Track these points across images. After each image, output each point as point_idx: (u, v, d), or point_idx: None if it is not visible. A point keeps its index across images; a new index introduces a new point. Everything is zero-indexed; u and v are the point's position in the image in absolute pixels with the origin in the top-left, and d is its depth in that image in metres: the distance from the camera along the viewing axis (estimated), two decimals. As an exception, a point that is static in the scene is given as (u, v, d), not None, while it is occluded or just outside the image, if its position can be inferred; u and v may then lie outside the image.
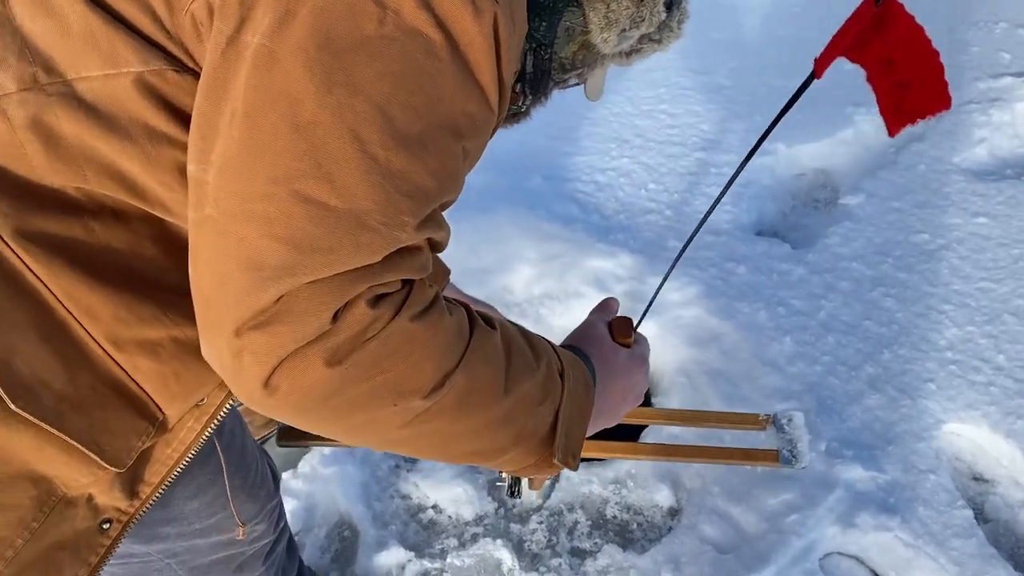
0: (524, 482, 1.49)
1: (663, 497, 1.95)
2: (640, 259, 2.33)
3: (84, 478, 0.79)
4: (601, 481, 1.99)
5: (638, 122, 2.85)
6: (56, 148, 0.72)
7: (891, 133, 0.84)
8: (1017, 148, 2.85)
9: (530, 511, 1.95)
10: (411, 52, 0.65)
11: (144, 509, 0.87)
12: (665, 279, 1.16)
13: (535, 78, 0.87)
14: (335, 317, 0.65)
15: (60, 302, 0.74)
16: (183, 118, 0.72)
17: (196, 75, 0.71)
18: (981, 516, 1.93)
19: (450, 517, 1.94)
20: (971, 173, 2.71)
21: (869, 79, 0.87)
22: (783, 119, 0.96)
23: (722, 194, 1.03)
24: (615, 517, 1.94)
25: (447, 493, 1.97)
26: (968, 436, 2.03)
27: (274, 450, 2.04)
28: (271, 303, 0.64)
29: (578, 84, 0.97)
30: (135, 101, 0.71)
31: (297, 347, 0.64)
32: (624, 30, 0.84)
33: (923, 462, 1.94)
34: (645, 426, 2.03)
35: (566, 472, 1.99)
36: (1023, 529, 1.90)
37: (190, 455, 0.88)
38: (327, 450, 2.00)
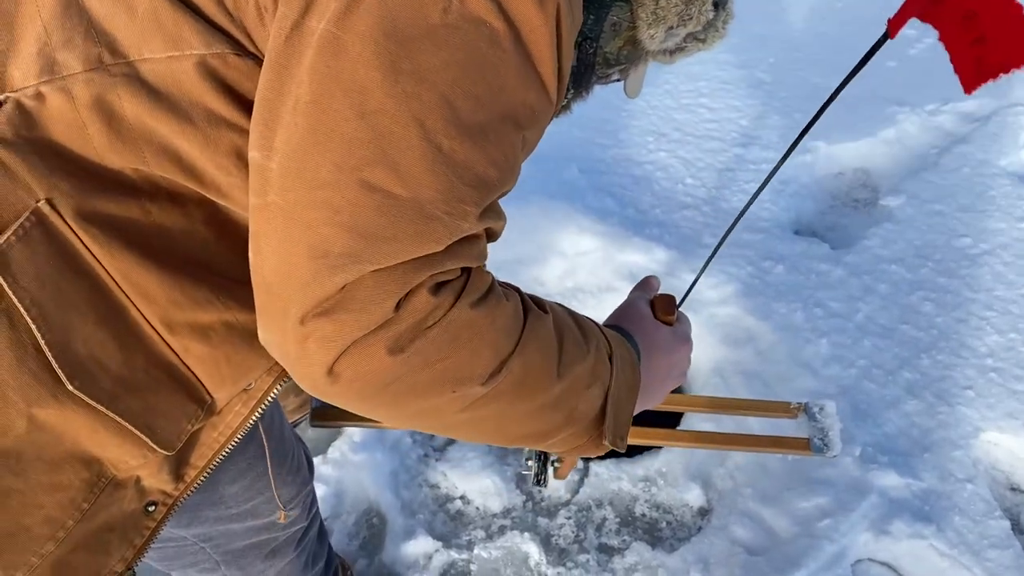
0: (550, 471, 1.48)
1: (694, 497, 1.93)
2: (675, 254, 2.31)
3: (134, 460, 0.79)
4: (631, 478, 1.98)
5: (676, 116, 2.82)
6: (118, 129, 0.72)
7: (968, 90, 0.82)
8: (1065, 152, 2.79)
9: (558, 505, 1.94)
10: (475, 41, 0.64)
11: (188, 492, 0.88)
12: (706, 265, 1.15)
13: (579, 72, 0.87)
14: (398, 305, 0.65)
15: (117, 284, 0.74)
16: (243, 102, 0.73)
17: (257, 59, 0.72)
18: (1018, 527, 1.89)
19: (478, 508, 1.94)
20: (1017, 177, 2.65)
21: (942, 38, 0.84)
22: (827, 109, 0.93)
23: (765, 182, 1.01)
24: (644, 515, 1.93)
25: (475, 484, 1.96)
26: (1007, 446, 1.99)
27: (305, 434, 2.05)
28: (336, 291, 0.64)
29: (619, 80, 0.96)
30: (196, 84, 0.71)
31: (361, 335, 0.65)
32: (671, 27, 0.84)
33: (960, 470, 1.91)
34: (681, 414, 2.02)
35: (595, 467, 1.99)
36: (1061, 543, 1.87)
37: (236, 439, 0.89)
38: (357, 436, 2.01)
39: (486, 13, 0.64)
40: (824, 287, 2.28)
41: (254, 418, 0.89)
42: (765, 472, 1.91)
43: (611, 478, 1.98)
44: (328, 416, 1.40)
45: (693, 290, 2.18)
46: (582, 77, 0.88)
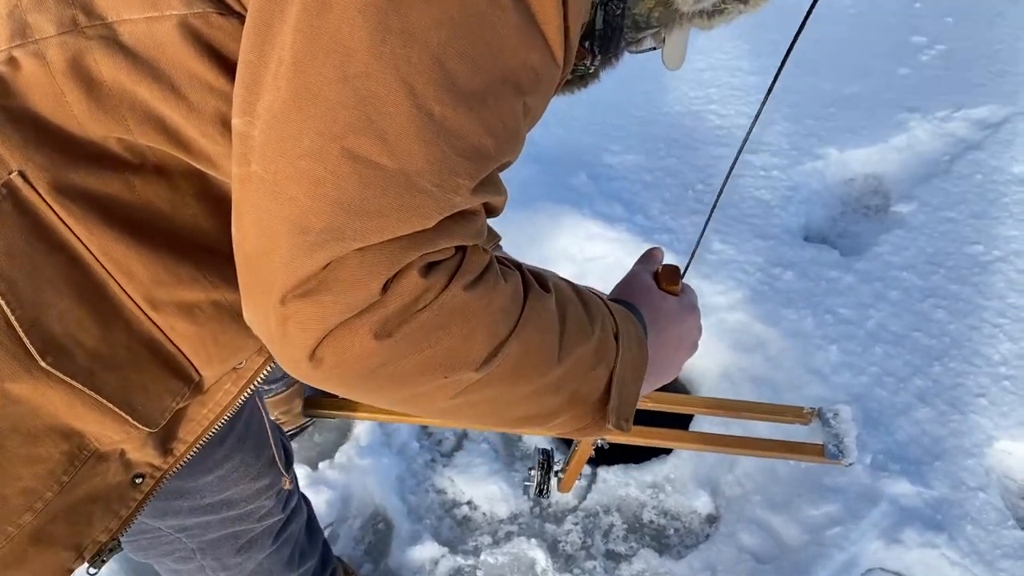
0: (553, 482, 1.47)
1: (702, 504, 1.92)
2: (684, 260, 2.29)
3: (116, 435, 0.78)
4: (638, 484, 1.97)
5: (686, 122, 2.81)
6: (97, 95, 0.69)
7: None
8: (1079, 159, 2.76)
9: (565, 511, 1.93)
10: None
11: (178, 466, 0.86)
12: (705, 226, 1.12)
13: (605, 35, 0.79)
14: (385, 287, 0.61)
15: (97, 260, 0.72)
16: (227, 65, 0.69)
17: (241, 18, 0.67)
18: (1031, 538, 1.87)
19: (484, 514, 1.93)
20: (1030, 184, 2.63)
21: None
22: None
23: (754, 121, 0.97)
24: (652, 521, 1.91)
25: (482, 490, 1.95)
26: (1020, 455, 1.97)
27: (312, 439, 2.05)
28: (318, 269, 0.60)
29: (654, 48, 0.89)
30: (177, 45, 0.68)
31: (345, 318, 0.61)
32: None
33: (972, 479, 1.88)
34: (691, 418, 2.00)
35: (602, 473, 1.98)
36: (1075, 553, 1.84)
37: (226, 416, 0.87)
38: (363, 440, 2.00)
39: None
40: (834, 294, 2.26)
41: (245, 395, 0.87)
42: (774, 479, 1.89)
43: (619, 484, 1.97)
44: (320, 405, 1.39)
45: (702, 296, 2.16)
46: (610, 41, 0.81)
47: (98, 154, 0.71)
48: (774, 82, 0.93)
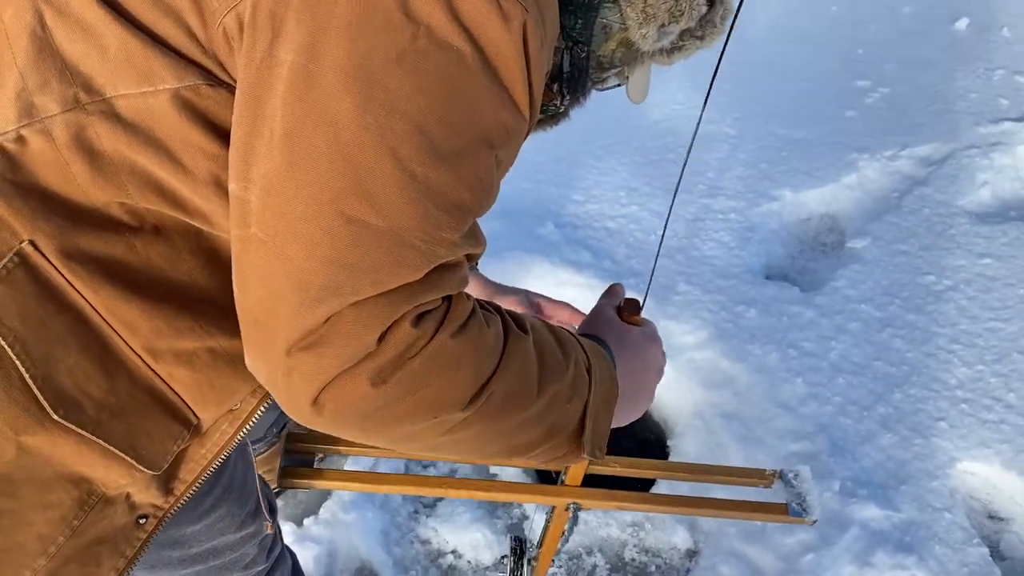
0: (526, 570, 1.52)
1: (680, 539, 1.96)
2: (651, 302, 2.38)
3: (122, 479, 0.82)
4: (619, 524, 2.01)
5: (646, 170, 2.92)
6: (99, 165, 0.74)
7: None
8: (1019, 190, 2.91)
9: (548, 554, 1.96)
10: (444, 65, 0.65)
11: (178, 505, 0.90)
12: (666, 227, 1.19)
13: (572, 77, 0.86)
14: (381, 338, 0.66)
15: (101, 317, 0.77)
16: (219, 131, 0.74)
17: (230, 88, 0.73)
18: (998, 554, 1.94)
19: (469, 562, 1.96)
20: (975, 215, 2.77)
21: None
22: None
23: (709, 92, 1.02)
24: (633, 560, 1.96)
25: (466, 538, 1.99)
26: (982, 474, 2.05)
27: (296, 498, 2.08)
28: (320, 324, 0.65)
29: (619, 85, 0.96)
30: (171, 116, 0.73)
31: (344, 368, 0.66)
32: (663, 25, 0.82)
33: (938, 500, 1.95)
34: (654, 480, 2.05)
35: (583, 515, 2.02)
36: (1041, 567, 1.91)
37: (223, 456, 0.91)
38: (347, 495, 2.03)
39: (453, 37, 0.65)
40: (796, 328, 2.35)
41: (240, 435, 0.91)
42: (749, 511, 1.94)
43: (600, 524, 2.01)
44: (295, 475, 1.40)
45: (670, 336, 2.24)
46: (577, 82, 0.87)
47: (101, 219, 0.76)
48: (707, 100, 1.01)
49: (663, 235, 1.15)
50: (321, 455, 1.46)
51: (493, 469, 2.02)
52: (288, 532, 1.95)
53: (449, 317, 0.71)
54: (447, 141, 0.66)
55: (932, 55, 3.58)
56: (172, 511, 0.90)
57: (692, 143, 1.08)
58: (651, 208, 2.77)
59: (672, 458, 2.11)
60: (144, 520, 0.87)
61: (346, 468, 2.01)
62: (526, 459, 0.89)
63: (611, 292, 1.12)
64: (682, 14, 0.82)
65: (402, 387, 0.69)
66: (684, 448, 2.11)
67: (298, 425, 1.74)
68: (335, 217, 0.64)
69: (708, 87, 0.98)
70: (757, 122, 3.17)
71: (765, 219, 2.77)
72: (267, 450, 1.90)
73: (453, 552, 1.98)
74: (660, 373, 1.07)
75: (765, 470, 1.44)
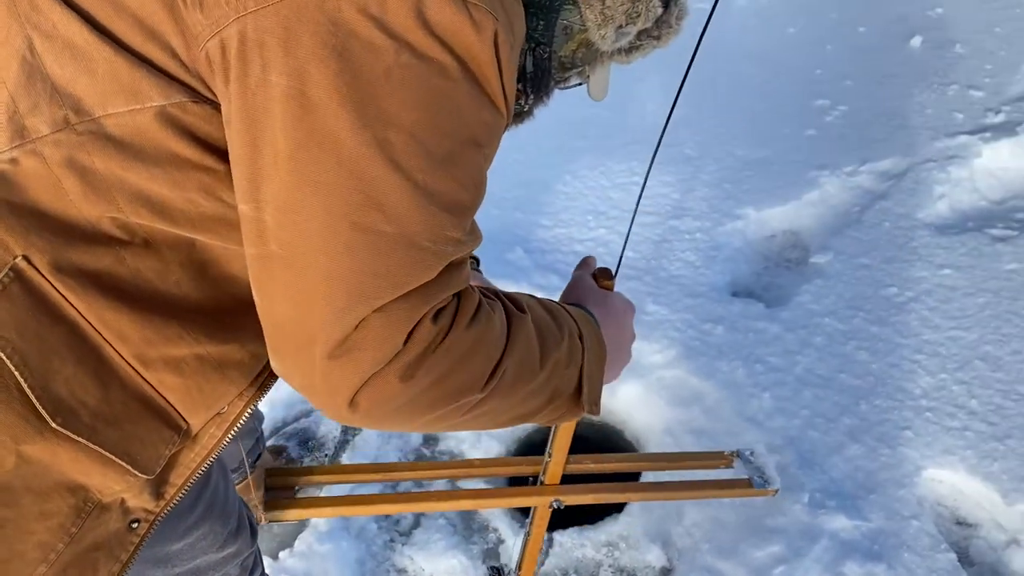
0: None
1: (655, 557, 1.98)
2: (620, 325, 2.41)
3: (117, 485, 0.85)
4: (594, 544, 2.03)
5: (612, 194, 2.97)
6: (91, 181, 0.77)
7: None
8: (977, 202, 2.98)
9: (524, 578, 1.97)
10: (428, 77, 0.69)
11: (168, 508, 0.93)
12: (643, 187, 1.26)
13: (536, 77, 0.91)
14: (407, 338, 0.73)
15: (94, 328, 0.80)
16: (204, 144, 0.78)
17: (213, 104, 0.76)
18: (966, 559, 1.97)
19: (446, 588, 1.97)
20: (934, 228, 2.83)
21: None
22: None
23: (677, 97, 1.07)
24: (609, 579, 1.97)
25: (442, 565, 1.99)
26: (948, 481, 2.08)
27: (272, 531, 2.08)
28: (351, 330, 0.71)
29: (580, 84, 1.00)
30: (159, 132, 0.76)
31: (378, 369, 0.72)
32: (621, 26, 0.87)
33: (905, 509, 1.99)
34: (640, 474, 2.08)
35: (558, 537, 2.04)
36: (1007, 571, 1.94)
37: (211, 459, 0.95)
38: (322, 527, 2.03)
39: (431, 49, 0.69)
40: (763, 344, 2.39)
41: (228, 438, 0.95)
42: (721, 526, 1.97)
43: (574, 546, 2.02)
44: (279, 507, 1.42)
45: (640, 356, 2.27)
46: (540, 82, 0.93)
47: (93, 233, 0.80)
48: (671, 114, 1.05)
49: (633, 217, 1.21)
50: (299, 487, 1.48)
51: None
52: (265, 566, 1.95)
53: (461, 311, 0.77)
54: (440, 146, 0.71)
55: (888, 72, 3.67)
56: (162, 515, 0.93)
57: (655, 152, 1.13)
58: (619, 231, 2.81)
59: (644, 477, 2.13)
60: (136, 524, 0.90)
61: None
62: (532, 420, 0.96)
63: (585, 263, 1.21)
64: (639, 16, 0.87)
65: (428, 380, 0.75)
66: (656, 466, 2.13)
67: (275, 459, 1.74)
68: (350, 229, 0.69)
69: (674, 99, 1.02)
70: (718, 143, 3.23)
71: (730, 238, 2.81)
72: (241, 481, 1.90)
73: (429, 579, 1.98)
74: (634, 335, 1.16)
75: (723, 452, 1.51)
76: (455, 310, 0.77)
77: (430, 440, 2.28)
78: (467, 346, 0.77)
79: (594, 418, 2.35)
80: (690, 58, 1.04)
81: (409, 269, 0.71)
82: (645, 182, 1.19)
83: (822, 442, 2.13)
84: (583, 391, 0.97)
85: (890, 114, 3.40)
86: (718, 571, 1.89)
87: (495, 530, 2.07)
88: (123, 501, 0.88)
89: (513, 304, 0.89)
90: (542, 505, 1.42)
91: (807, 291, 2.59)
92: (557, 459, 1.37)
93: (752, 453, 1.48)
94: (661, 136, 1.12)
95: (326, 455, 2.16)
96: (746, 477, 1.46)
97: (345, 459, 2.18)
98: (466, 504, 1.45)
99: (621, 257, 1.34)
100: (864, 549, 1.88)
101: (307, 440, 2.17)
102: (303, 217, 0.69)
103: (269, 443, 2.13)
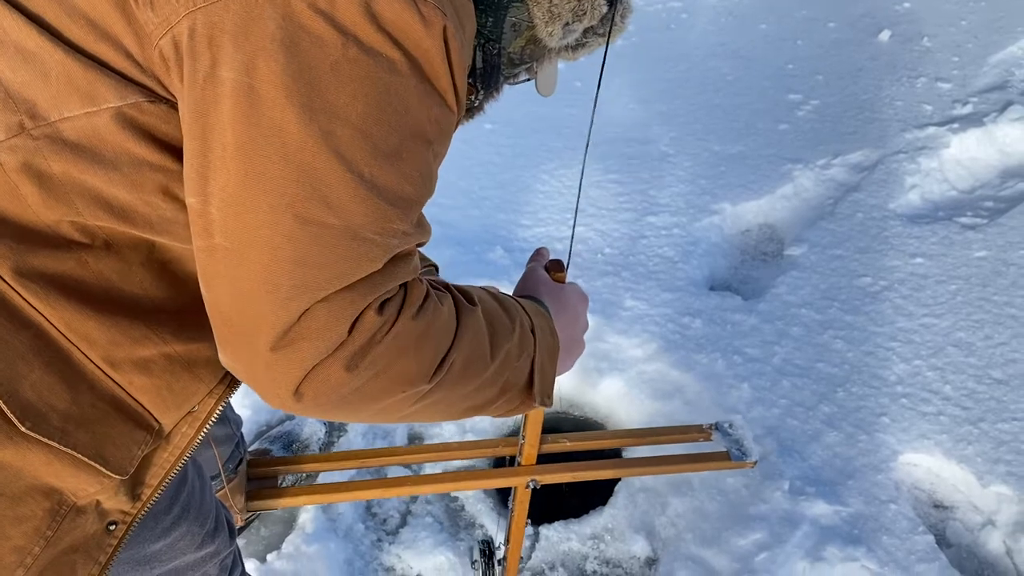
0: (498, 570, 1.57)
1: (640, 548, 2.01)
2: (600, 319, 2.44)
3: (92, 487, 0.85)
4: (579, 537, 2.05)
5: (590, 192, 3.00)
6: (49, 186, 0.77)
7: None
8: (947, 192, 3.04)
9: (512, 573, 1.99)
10: (375, 72, 0.70)
11: (145, 509, 0.94)
12: (582, 176, 1.27)
13: (486, 72, 0.93)
14: (351, 328, 0.73)
15: (60, 332, 0.80)
16: (162, 144, 0.77)
17: (169, 103, 0.76)
18: (943, 541, 2.01)
19: (434, 585, 1.98)
20: (906, 218, 2.88)
21: None
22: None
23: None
24: (595, 571, 1.99)
25: (430, 562, 2.01)
26: (924, 465, 2.12)
27: (259, 533, 2.08)
28: (295, 320, 0.72)
29: (528, 79, 1.02)
30: (116, 134, 0.76)
31: (321, 359, 0.73)
32: (567, 23, 0.89)
33: (883, 493, 2.02)
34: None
35: (544, 531, 2.06)
36: (983, 551, 1.98)
37: (185, 458, 0.95)
38: (309, 528, 2.04)
39: (380, 44, 0.70)
40: (740, 336, 2.42)
41: (200, 436, 0.95)
42: (703, 516, 2.00)
43: (560, 539, 2.05)
44: (261, 496, 1.43)
45: (620, 351, 2.29)
46: (490, 78, 0.94)
47: (53, 238, 0.80)
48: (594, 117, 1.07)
49: (576, 210, 1.22)
50: (281, 477, 1.49)
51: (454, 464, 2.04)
52: (252, 569, 1.95)
53: (407, 302, 0.78)
54: (387, 140, 0.72)
55: (858, 67, 3.73)
56: (139, 516, 0.93)
57: (587, 145, 1.15)
58: (597, 228, 2.84)
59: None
60: (114, 526, 0.91)
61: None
62: (485, 412, 0.97)
63: (538, 255, 1.21)
64: (584, 13, 0.89)
65: (373, 369, 0.76)
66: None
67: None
68: (293, 221, 0.70)
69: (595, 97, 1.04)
70: (693, 139, 3.27)
71: (706, 232, 2.85)
72: (223, 487, 1.91)
73: (418, 577, 2.00)
74: (587, 325, 1.17)
75: (702, 425, 1.53)
76: (402, 301, 0.78)
77: (415, 439, 2.29)
78: (413, 336, 0.78)
79: (577, 414, 2.38)
80: (599, 77, 1.05)
81: (353, 261, 0.72)
82: (582, 178, 1.20)
83: (801, 430, 2.16)
84: (535, 383, 0.98)
85: (861, 107, 3.45)
86: (702, 560, 1.92)
87: (481, 526, 2.09)
88: (99, 503, 0.88)
89: (463, 296, 0.90)
90: (520, 485, 1.45)
91: (783, 283, 2.63)
92: (531, 441, 1.38)
93: (731, 425, 1.50)
94: (588, 136, 1.13)
95: (311, 457, 2.16)
96: (724, 450, 1.47)
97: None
98: (446, 487, 1.47)
99: (570, 251, 1.36)
100: (844, 534, 1.92)
101: (291, 443, 2.17)
102: (247, 209, 0.70)
103: (253, 447, 2.14)
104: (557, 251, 2.73)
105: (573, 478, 1.45)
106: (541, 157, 3.16)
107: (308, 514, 2.08)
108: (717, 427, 1.52)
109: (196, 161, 0.72)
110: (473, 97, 0.97)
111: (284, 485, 1.40)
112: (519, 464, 1.45)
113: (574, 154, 3.18)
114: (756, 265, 2.85)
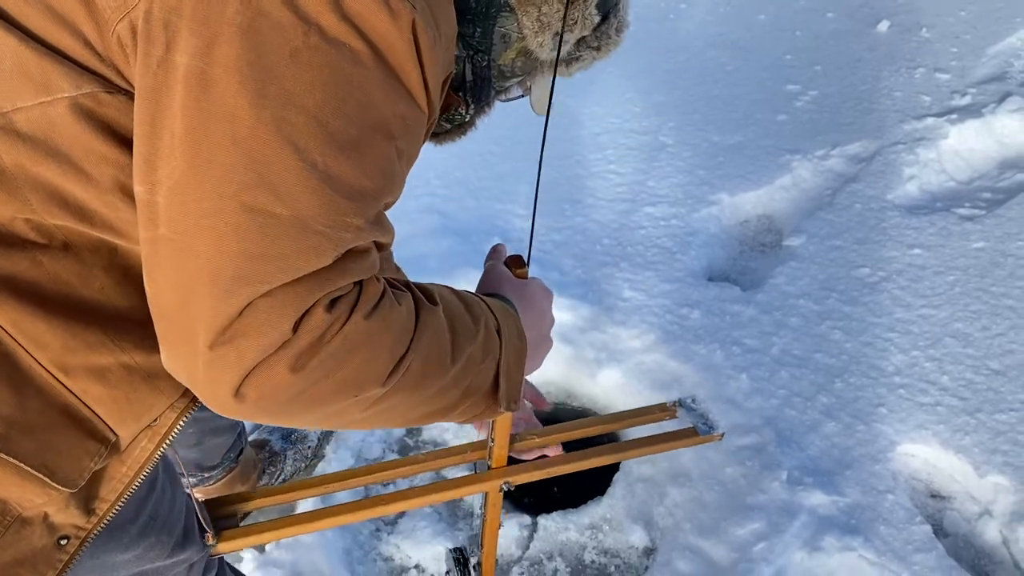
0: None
1: (638, 538, 2.01)
2: (598, 309, 2.44)
3: (38, 498, 0.81)
4: (577, 527, 2.05)
5: (588, 183, 2.99)
6: (1, 180, 0.74)
7: None
8: (945, 182, 3.04)
9: (510, 563, 2.00)
10: (337, 62, 0.67)
11: (101, 525, 0.89)
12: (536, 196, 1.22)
13: (476, 86, 0.90)
14: (296, 326, 0.68)
15: (7, 333, 0.76)
16: (119, 137, 0.74)
17: (128, 94, 0.73)
18: (941, 531, 2.01)
19: (433, 575, 1.98)
20: (904, 208, 2.88)
21: None
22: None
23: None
24: (593, 561, 2.00)
25: (428, 551, 2.01)
26: (922, 456, 2.13)
27: (258, 523, 2.08)
28: (235, 316, 0.67)
29: (522, 96, 1.00)
30: (71, 125, 0.73)
31: (263, 358, 0.68)
32: (558, 33, 0.86)
33: (881, 483, 2.03)
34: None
35: (542, 521, 2.06)
36: (980, 541, 1.99)
37: (144, 473, 0.91)
38: (308, 519, 2.04)
39: (344, 35, 0.67)
40: (739, 326, 2.42)
41: (161, 451, 0.91)
42: (702, 506, 2.00)
43: (558, 529, 2.05)
44: (233, 537, 1.35)
45: (619, 341, 2.29)
46: (481, 91, 0.91)
47: (6, 236, 0.76)
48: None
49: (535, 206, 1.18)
50: (241, 514, 1.43)
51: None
52: (250, 559, 1.96)
53: (361, 300, 0.74)
54: (345, 131, 0.69)
55: (857, 57, 3.73)
56: (95, 531, 0.89)
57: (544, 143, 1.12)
58: (595, 219, 2.84)
59: (625, 463, 2.16)
60: (66, 541, 0.87)
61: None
62: (448, 419, 0.93)
63: (496, 252, 1.16)
64: (575, 23, 0.87)
65: (321, 370, 0.71)
66: (637, 449, 2.16)
67: (258, 453, 1.65)
68: (239, 210, 0.67)
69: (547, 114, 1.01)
70: (692, 130, 3.27)
71: (705, 223, 2.85)
72: (224, 476, 1.91)
73: (416, 567, 2.00)
74: (553, 321, 1.12)
75: (665, 403, 1.51)
76: (355, 299, 0.73)
77: (413, 430, 2.29)
78: (365, 337, 0.73)
79: (575, 404, 2.38)
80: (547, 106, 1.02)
81: (300, 254, 0.68)
82: (538, 185, 1.15)
83: (799, 421, 2.17)
84: (500, 387, 0.93)
85: (859, 98, 3.45)
86: (700, 549, 1.92)
87: (480, 516, 2.09)
88: (47, 516, 0.84)
89: (424, 295, 0.85)
90: (492, 490, 1.42)
91: (781, 274, 2.63)
92: (500, 443, 1.33)
93: (694, 400, 1.48)
94: (541, 155, 1.10)
95: (309, 447, 2.17)
96: (691, 425, 1.47)
97: (329, 451, 2.19)
98: (416, 503, 1.41)
99: (530, 247, 1.31)
100: (842, 524, 1.92)
101: (290, 433, 2.17)
102: (193, 197, 0.67)
103: (252, 437, 2.14)
104: (556, 241, 2.73)
105: (545, 475, 1.42)
106: (538, 147, 3.14)
107: (307, 504, 2.08)
108: (681, 403, 1.51)
109: (144, 148, 0.69)
110: (463, 111, 0.95)
111: (243, 524, 1.34)
112: (489, 467, 1.42)
113: (572, 145, 3.17)
114: (754, 256, 2.85)
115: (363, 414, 0.80)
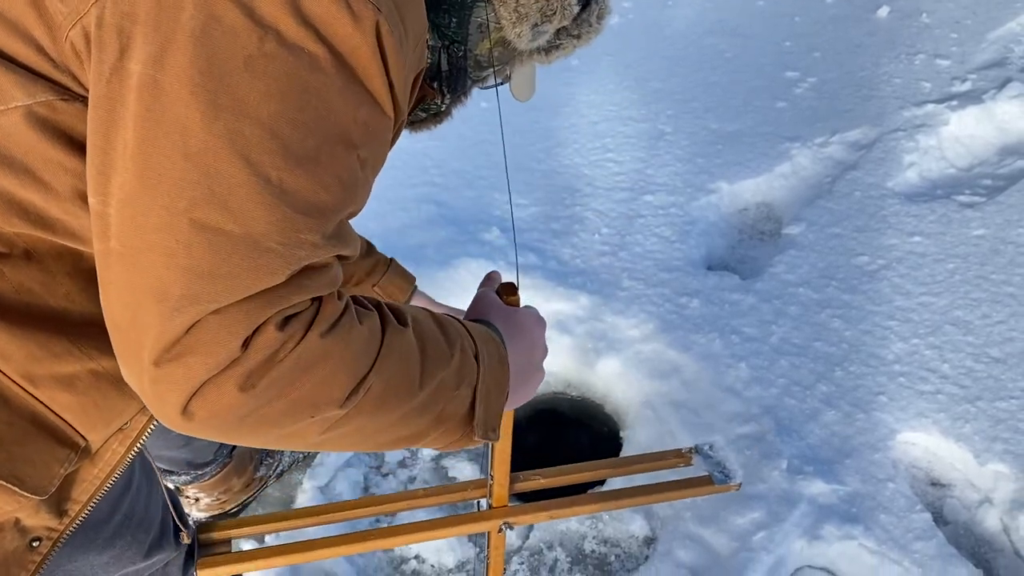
0: None
1: (638, 527, 2.01)
2: (597, 299, 2.43)
3: (8, 506, 0.81)
4: (577, 517, 2.05)
5: (587, 172, 2.98)
6: None
7: None
8: (945, 169, 3.02)
9: (510, 552, 1.99)
10: (295, 69, 0.65)
11: (73, 526, 0.89)
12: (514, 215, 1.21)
13: (451, 76, 0.87)
14: (246, 343, 0.66)
15: None
16: (77, 145, 0.73)
17: (85, 101, 0.71)
18: (941, 519, 2.01)
19: (433, 566, 1.98)
20: (904, 196, 2.87)
21: None
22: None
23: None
24: (593, 551, 2.00)
25: (428, 543, 2.01)
26: (922, 444, 2.13)
27: (256, 514, 2.07)
28: (182, 333, 0.65)
29: (502, 83, 0.97)
30: (26, 134, 0.71)
31: (210, 376, 0.66)
32: (536, 24, 0.84)
33: (881, 472, 2.03)
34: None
35: (542, 512, 2.05)
36: (980, 529, 1.99)
37: (116, 475, 0.91)
38: (307, 510, 2.04)
39: (303, 40, 0.65)
40: (738, 315, 2.42)
41: (132, 453, 0.91)
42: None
43: (558, 519, 2.05)
44: (215, 564, 1.32)
45: (618, 330, 2.29)
46: (456, 81, 0.89)
47: None
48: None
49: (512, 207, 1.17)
50: (232, 539, 1.40)
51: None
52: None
53: (319, 318, 0.71)
54: (301, 143, 0.66)
55: (856, 43, 3.70)
56: (68, 532, 0.88)
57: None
58: (593, 208, 2.83)
59: (625, 448, 2.16)
60: (38, 543, 0.86)
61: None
62: (420, 445, 0.90)
63: (489, 279, 1.13)
64: (554, 13, 0.85)
65: (273, 390, 0.69)
66: (636, 438, 2.15)
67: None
68: (189, 226, 0.64)
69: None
70: (690, 117, 3.25)
71: (704, 212, 2.84)
72: (220, 471, 1.90)
73: (416, 557, 2.00)
74: (546, 351, 1.08)
75: (681, 449, 1.47)
76: (311, 317, 0.70)
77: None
78: (322, 356, 0.70)
79: (573, 394, 2.37)
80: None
81: (251, 272, 0.65)
82: (510, 192, 1.13)
83: (799, 409, 2.16)
84: (476, 414, 0.89)
85: (859, 85, 3.43)
86: (700, 538, 1.92)
87: (480, 508, 2.08)
88: (18, 520, 0.84)
89: (394, 315, 0.81)
90: (492, 530, 1.38)
91: (781, 262, 2.62)
92: (500, 480, 1.29)
93: (711, 447, 1.42)
94: (505, 159, 1.09)
95: (308, 439, 2.16)
96: (706, 473, 1.43)
97: (321, 454, 2.18)
98: (414, 538, 1.37)
99: (517, 274, 1.26)
100: (842, 512, 1.92)
101: (289, 424, 2.16)
102: (143, 211, 0.64)
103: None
104: (554, 230, 2.72)
105: (550, 517, 1.39)
106: (536, 136, 3.13)
107: (306, 495, 2.08)
108: (697, 450, 1.46)
109: (98, 159, 0.67)
110: (439, 101, 0.92)
111: (235, 550, 1.31)
112: (490, 506, 1.37)
113: (570, 133, 3.15)
114: (754, 244, 2.84)
115: (323, 436, 0.77)
